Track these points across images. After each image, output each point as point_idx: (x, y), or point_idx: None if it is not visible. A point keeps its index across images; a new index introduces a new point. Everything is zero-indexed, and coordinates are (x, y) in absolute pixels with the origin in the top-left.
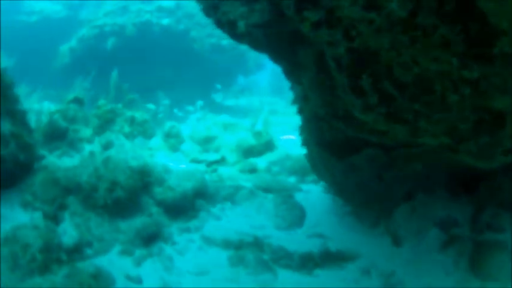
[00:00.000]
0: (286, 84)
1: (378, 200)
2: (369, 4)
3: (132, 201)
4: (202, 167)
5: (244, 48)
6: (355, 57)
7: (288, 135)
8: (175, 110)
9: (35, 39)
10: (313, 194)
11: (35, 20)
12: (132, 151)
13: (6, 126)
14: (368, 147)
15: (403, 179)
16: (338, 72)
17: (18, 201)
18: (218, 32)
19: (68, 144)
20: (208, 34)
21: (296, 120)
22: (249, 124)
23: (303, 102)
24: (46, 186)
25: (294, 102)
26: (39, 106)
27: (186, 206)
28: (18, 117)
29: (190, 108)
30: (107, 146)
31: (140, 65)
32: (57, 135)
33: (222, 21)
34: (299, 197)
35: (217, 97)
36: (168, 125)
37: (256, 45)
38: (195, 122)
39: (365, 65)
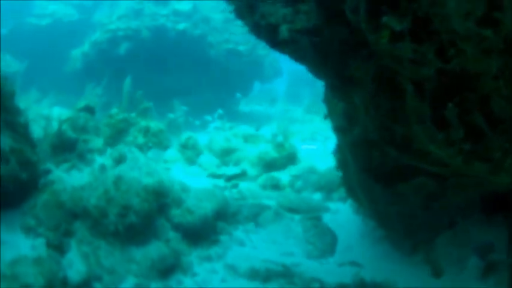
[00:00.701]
0: (302, 91)
1: (420, 229)
2: (487, 18)
3: (147, 226)
4: (221, 182)
5: (261, 54)
6: (445, 81)
7: (308, 145)
8: (191, 119)
9: (46, 43)
10: (342, 214)
11: (47, 23)
12: (146, 166)
13: (6, 141)
14: (419, 175)
15: (448, 207)
16: (416, 97)
17: (20, 224)
18: (235, 38)
19: (78, 157)
20: (225, 39)
21: (315, 128)
22: (268, 133)
23: (346, 122)
24: (50, 209)
25: (327, 117)
26: (49, 112)
27: (206, 230)
28: (20, 130)
29: (207, 117)
30: (119, 160)
31: (155, 71)
32: (66, 147)
33: (260, 24)
34: (327, 217)
35: (235, 105)
36: (185, 135)
37: (300, 56)
38: (213, 132)
39: (455, 92)
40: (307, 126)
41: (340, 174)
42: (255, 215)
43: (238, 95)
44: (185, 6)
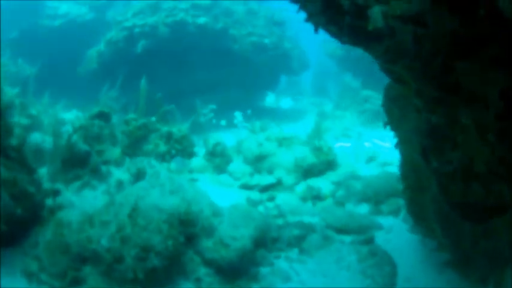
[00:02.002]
0: (328, 84)
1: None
2: None
3: (172, 265)
4: (255, 194)
5: (288, 46)
6: None
7: (342, 142)
8: (215, 120)
9: (59, 44)
10: (397, 233)
11: (59, 23)
12: (169, 181)
13: None
14: None
15: None
16: None
17: (21, 268)
18: (259, 30)
19: (91, 172)
20: (248, 32)
21: (346, 124)
22: (301, 131)
23: (435, 141)
24: (54, 253)
25: (387, 125)
26: (63, 116)
27: (244, 264)
28: (13, 155)
29: (234, 115)
30: (137, 175)
31: (174, 70)
32: (77, 161)
33: (344, 7)
34: (380, 237)
35: (261, 101)
36: (212, 141)
37: (395, 55)
38: (240, 133)
39: None
40: (338, 123)
41: (387, 182)
42: (299, 239)
43: (267, 92)
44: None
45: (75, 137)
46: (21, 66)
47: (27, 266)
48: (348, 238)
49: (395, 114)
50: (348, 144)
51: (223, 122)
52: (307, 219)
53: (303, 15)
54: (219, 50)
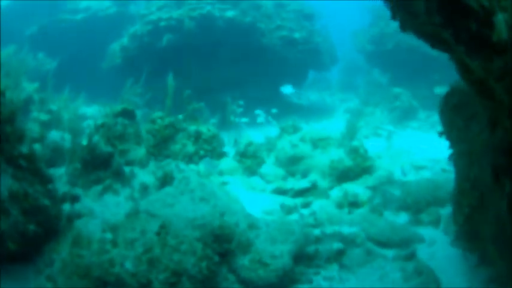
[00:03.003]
0: (357, 80)
1: None
2: None
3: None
4: (289, 200)
5: (318, 40)
6: None
7: (373, 142)
8: (244, 119)
9: (81, 39)
10: (439, 246)
11: (81, 18)
12: (199, 187)
13: (6, 183)
14: None
15: None
16: None
17: (34, 286)
18: (289, 24)
19: (113, 174)
20: (277, 26)
21: (376, 121)
22: (332, 128)
23: None
24: (71, 275)
25: (442, 135)
26: (84, 112)
27: (284, 284)
28: (24, 164)
29: (260, 112)
30: (164, 180)
31: (201, 65)
32: (99, 163)
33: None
34: (423, 251)
35: (289, 97)
36: (244, 141)
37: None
38: (270, 131)
39: None
40: (368, 120)
41: (427, 190)
42: (339, 254)
43: (288, 86)
44: None
45: (96, 138)
46: (41, 61)
47: (41, 286)
48: (390, 252)
49: (456, 124)
50: (380, 144)
51: (248, 119)
52: (346, 229)
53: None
54: (248, 45)
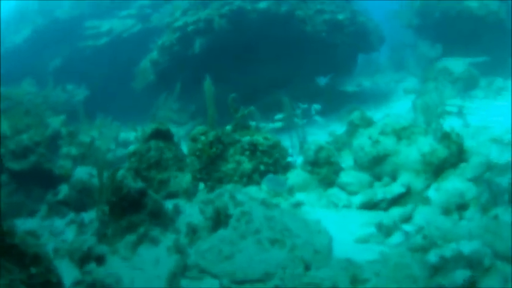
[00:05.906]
0: (407, 57)
1: None
2: None
3: None
4: (384, 216)
5: (362, 20)
6: None
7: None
8: (305, 121)
9: (107, 63)
10: None
11: (105, 42)
12: (266, 223)
13: None
14: None
15: None
16: None
17: None
18: (329, 6)
19: (149, 216)
20: (317, 10)
21: (440, 98)
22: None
23: None
24: None
25: None
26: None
27: None
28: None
29: (317, 108)
30: (217, 219)
31: (240, 66)
32: (128, 205)
33: None
34: None
35: (343, 86)
36: (313, 146)
37: None
38: (334, 128)
39: None
40: (433, 97)
41: None
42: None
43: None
44: None
45: (122, 172)
46: (71, 92)
47: None
48: None
49: None
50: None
51: (317, 119)
52: (466, 247)
53: None
54: (288, 36)
